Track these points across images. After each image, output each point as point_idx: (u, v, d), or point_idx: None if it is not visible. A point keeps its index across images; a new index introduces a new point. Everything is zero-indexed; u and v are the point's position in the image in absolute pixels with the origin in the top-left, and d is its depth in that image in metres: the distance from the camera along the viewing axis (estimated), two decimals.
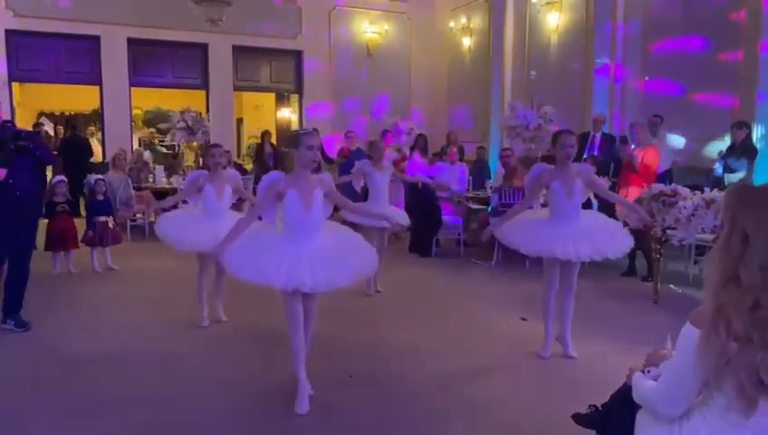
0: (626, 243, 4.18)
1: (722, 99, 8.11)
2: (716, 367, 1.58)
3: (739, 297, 1.56)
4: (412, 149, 10.08)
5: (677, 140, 8.33)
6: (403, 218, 6.14)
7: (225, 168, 5.03)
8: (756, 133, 7.52)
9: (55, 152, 11.86)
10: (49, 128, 13.05)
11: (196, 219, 4.85)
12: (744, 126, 7.13)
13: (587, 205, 4.37)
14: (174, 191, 9.83)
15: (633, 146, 7.27)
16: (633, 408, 1.92)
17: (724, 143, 7.66)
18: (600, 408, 2.30)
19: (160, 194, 10.26)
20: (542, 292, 4.30)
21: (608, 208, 6.55)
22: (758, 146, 7.37)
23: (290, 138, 3.55)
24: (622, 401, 2.05)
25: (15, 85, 11.80)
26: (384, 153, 6.25)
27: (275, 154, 11.20)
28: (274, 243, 3.36)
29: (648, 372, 1.94)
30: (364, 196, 6.37)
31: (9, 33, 10.91)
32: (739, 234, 1.61)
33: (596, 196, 4.38)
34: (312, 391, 3.49)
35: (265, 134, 11.88)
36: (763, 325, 1.52)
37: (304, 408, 3.38)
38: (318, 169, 3.55)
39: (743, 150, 7.04)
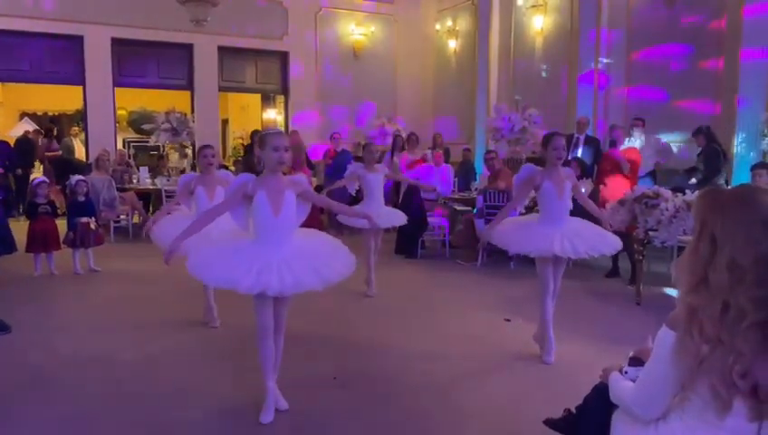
0: (616, 241, 4.21)
1: (704, 103, 8.21)
2: (691, 369, 1.60)
3: (709, 300, 1.58)
4: (393, 150, 10.08)
5: (659, 142, 8.40)
6: (399, 219, 6.26)
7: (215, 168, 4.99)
8: (737, 138, 7.63)
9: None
10: (30, 127, 12.92)
11: (186, 223, 4.79)
12: (701, 131, 7.25)
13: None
14: (157, 192, 9.79)
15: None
16: (606, 410, 1.94)
17: None
18: (574, 411, 2.31)
19: (144, 195, 10.23)
20: (540, 296, 4.26)
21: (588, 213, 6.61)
22: (737, 150, 7.48)
23: (259, 138, 3.40)
24: (595, 404, 2.07)
25: None
26: (375, 156, 6.29)
27: None
28: (243, 247, 3.22)
29: (626, 373, 1.96)
30: (360, 199, 6.42)
31: None
32: (708, 238, 1.64)
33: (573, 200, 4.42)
34: (287, 406, 3.42)
35: (256, 134, 11.81)
36: (732, 328, 1.54)
37: (269, 417, 3.30)
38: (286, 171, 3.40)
39: (706, 156, 7.17)
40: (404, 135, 10.81)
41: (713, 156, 7.16)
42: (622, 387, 1.86)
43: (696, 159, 7.41)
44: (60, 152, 12.07)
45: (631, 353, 2.07)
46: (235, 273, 3.05)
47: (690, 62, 8.41)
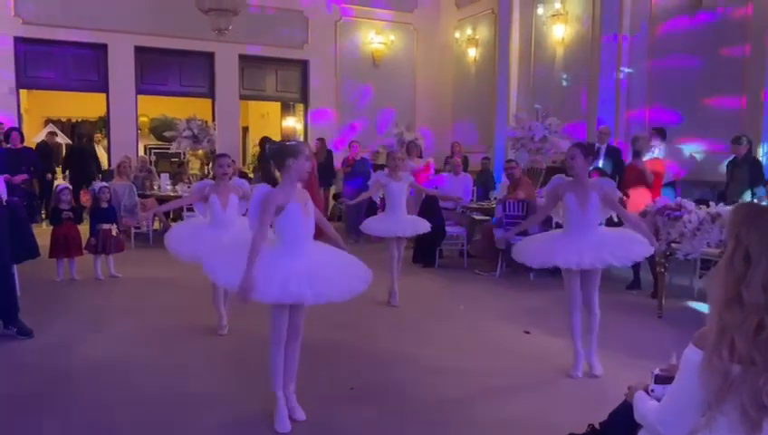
0: (645, 249, 4.06)
1: (728, 108, 8.07)
2: (719, 389, 1.56)
3: (743, 318, 1.53)
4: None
5: (680, 151, 8.29)
6: (423, 226, 6.23)
7: (231, 177, 5.05)
8: (762, 149, 7.50)
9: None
10: (60, 138, 13.18)
11: (200, 230, 4.84)
12: (743, 140, 7.05)
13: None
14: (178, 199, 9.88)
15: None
16: (631, 428, 1.90)
17: (730, 157, 7.62)
18: (598, 427, 2.27)
19: (165, 202, 10.31)
20: (565, 309, 4.19)
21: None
22: (763, 161, 7.34)
23: (286, 148, 3.35)
24: (620, 421, 2.03)
25: (23, 92, 11.90)
26: (400, 164, 6.23)
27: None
28: (270, 257, 3.16)
29: (652, 391, 1.92)
30: (383, 206, 6.42)
31: (18, 41, 11.01)
32: (742, 253, 1.59)
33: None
34: (304, 416, 3.39)
35: (266, 141, 11.85)
36: (766, 347, 1.50)
37: (285, 427, 3.28)
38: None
39: (748, 166, 6.97)
40: (420, 143, 10.82)
41: (755, 165, 6.96)
42: (647, 407, 1.82)
43: (730, 170, 7.18)
44: None
45: (657, 371, 2.03)
46: (259, 284, 3.03)
47: (713, 66, 8.27)
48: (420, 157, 10.56)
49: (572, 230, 4.10)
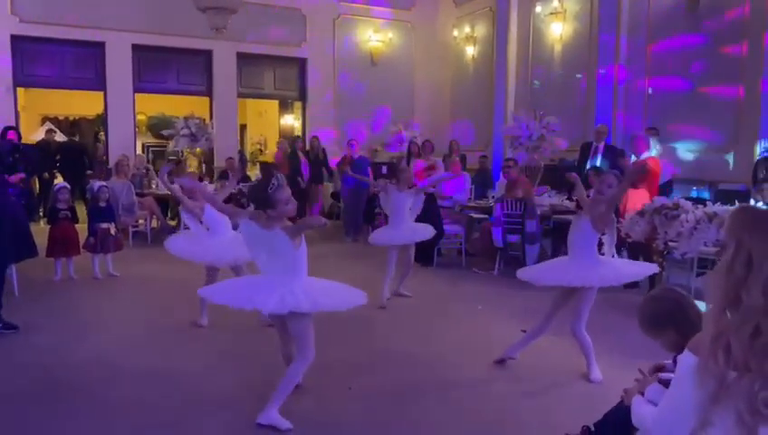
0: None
1: (727, 102, 8.07)
2: (715, 395, 1.56)
3: (740, 323, 1.53)
4: (408, 157, 10.09)
5: (675, 151, 8.27)
6: (424, 234, 6.28)
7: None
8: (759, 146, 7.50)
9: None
10: (59, 136, 13.21)
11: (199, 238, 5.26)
12: None
13: None
14: (176, 197, 9.86)
15: (633, 159, 7.22)
16: (625, 429, 1.91)
17: (728, 156, 7.63)
18: (593, 428, 2.28)
19: (163, 200, 10.31)
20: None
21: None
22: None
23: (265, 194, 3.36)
24: (614, 422, 2.04)
25: (20, 90, 11.87)
26: (408, 177, 6.31)
27: (310, 164, 11.28)
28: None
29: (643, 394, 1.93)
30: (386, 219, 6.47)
31: (14, 39, 10.96)
32: (744, 257, 1.58)
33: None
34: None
35: (296, 141, 11.76)
36: (761, 353, 1.50)
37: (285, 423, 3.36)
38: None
39: None
40: (419, 140, 10.80)
41: None
42: (645, 412, 1.83)
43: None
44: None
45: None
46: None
47: (712, 65, 8.26)
48: (419, 156, 10.55)
49: None
